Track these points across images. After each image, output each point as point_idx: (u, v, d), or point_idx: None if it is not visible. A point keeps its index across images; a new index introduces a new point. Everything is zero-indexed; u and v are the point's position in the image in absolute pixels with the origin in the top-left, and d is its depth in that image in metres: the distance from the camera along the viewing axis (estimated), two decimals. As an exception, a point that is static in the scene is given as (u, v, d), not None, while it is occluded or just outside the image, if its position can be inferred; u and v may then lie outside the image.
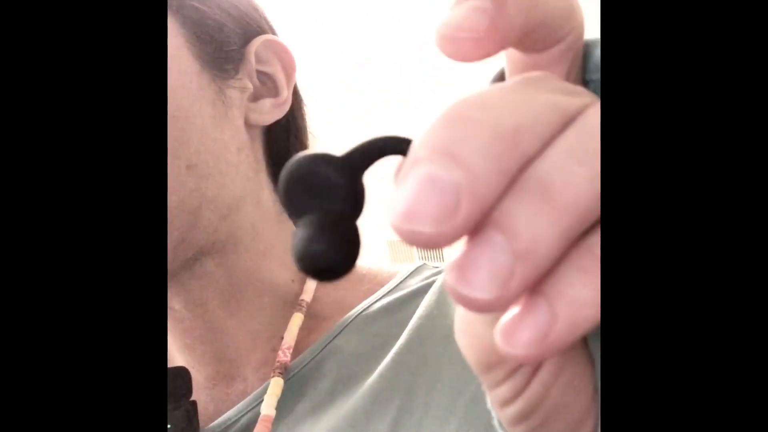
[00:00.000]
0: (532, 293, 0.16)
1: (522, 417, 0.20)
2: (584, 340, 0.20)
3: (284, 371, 0.46)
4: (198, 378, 0.49)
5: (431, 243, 0.15)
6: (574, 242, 0.16)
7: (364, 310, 0.48)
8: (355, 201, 0.17)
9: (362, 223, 0.17)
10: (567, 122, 0.17)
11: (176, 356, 0.50)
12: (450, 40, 0.18)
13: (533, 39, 0.19)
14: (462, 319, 0.20)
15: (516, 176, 0.16)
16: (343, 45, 2.40)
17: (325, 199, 0.16)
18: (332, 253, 0.16)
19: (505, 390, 0.20)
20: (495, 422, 0.22)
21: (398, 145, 0.17)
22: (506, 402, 0.20)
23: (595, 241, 0.16)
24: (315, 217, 0.16)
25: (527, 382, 0.19)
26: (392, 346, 0.45)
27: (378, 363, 0.44)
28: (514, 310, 0.16)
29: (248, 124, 0.47)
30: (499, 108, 0.16)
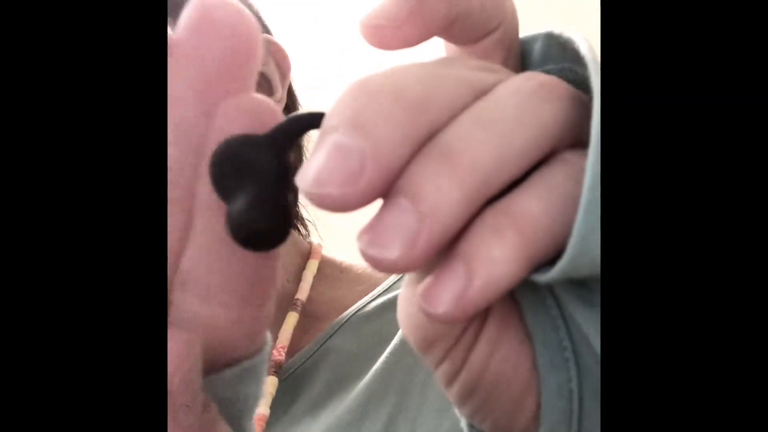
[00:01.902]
0: (449, 256, 0.16)
1: (466, 393, 0.20)
2: (520, 317, 0.20)
3: (279, 370, 0.45)
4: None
5: (339, 206, 0.15)
6: (484, 204, 0.17)
7: (359, 309, 0.48)
8: (280, 176, 0.17)
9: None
10: (478, 96, 0.17)
11: None
12: (370, 27, 0.19)
13: (460, 29, 0.20)
14: (400, 303, 0.21)
15: (423, 144, 0.16)
16: (339, 44, 2.40)
17: (250, 177, 0.17)
18: (260, 224, 0.17)
19: (446, 367, 0.20)
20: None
21: (315, 120, 0.18)
22: (450, 379, 0.21)
23: (507, 202, 0.17)
24: (243, 195, 0.17)
25: (465, 358, 0.20)
26: (387, 345, 0.45)
27: (373, 362, 0.44)
28: (434, 274, 0.17)
29: None
30: (405, 79, 0.16)
